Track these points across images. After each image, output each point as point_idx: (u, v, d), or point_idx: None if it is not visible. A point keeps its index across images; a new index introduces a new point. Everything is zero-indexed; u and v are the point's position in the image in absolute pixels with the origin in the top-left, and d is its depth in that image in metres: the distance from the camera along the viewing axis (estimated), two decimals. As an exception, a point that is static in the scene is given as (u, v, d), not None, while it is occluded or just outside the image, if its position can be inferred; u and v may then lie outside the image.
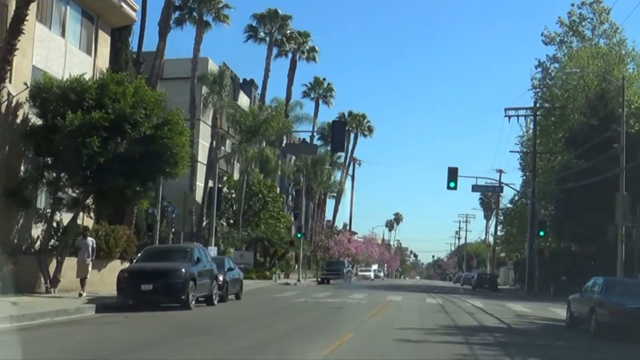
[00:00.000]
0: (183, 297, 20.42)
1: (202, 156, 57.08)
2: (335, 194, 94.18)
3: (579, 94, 49.53)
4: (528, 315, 24.23)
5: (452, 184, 44.11)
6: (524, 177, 65.16)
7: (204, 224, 54.08)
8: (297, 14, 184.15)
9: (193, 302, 20.89)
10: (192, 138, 54.18)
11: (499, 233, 77.35)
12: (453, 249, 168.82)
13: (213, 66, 57.21)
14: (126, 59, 31.78)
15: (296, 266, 60.75)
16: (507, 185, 55.54)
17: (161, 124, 23.61)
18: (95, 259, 26.34)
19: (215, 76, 53.75)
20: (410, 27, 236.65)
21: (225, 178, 60.11)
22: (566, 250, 48.75)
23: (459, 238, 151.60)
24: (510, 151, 62.30)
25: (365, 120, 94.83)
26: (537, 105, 51.89)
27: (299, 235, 53.66)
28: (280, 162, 66.95)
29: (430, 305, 28.12)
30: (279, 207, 59.17)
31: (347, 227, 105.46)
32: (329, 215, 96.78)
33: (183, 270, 20.63)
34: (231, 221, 56.06)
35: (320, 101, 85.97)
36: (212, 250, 35.92)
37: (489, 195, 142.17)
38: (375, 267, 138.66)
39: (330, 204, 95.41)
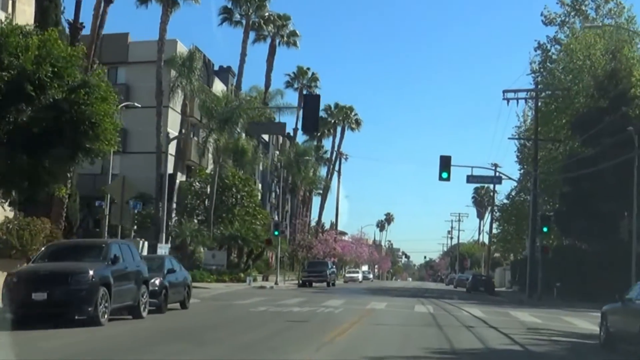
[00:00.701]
0: (90, 308, 15.32)
1: (172, 147, 51.96)
2: (321, 191, 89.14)
3: (584, 75, 44.64)
4: (541, 329, 19.18)
5: (444, 175, 39.28)
6: (522, 170, 60.40)
7: (174, 221, 49.08)
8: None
9: (106, 316, 15.80)
10: (159, 127, 49.21)
11: (494, 231, 72.40)
12: (445, 249, 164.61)
13: (182, 48, 52.02)
14: (56, 20, 26.62)
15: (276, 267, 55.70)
16: (505, 176, 50.37)
17: (77, 86, 18.60)
18: (5, 259, 21.49)
19: (184, 59, 48.61)
20: (401, 17, 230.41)
21: (198, 171, 55.01)
22: (571, 248, 43.83)
23: (452, 238, 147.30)
24: (508, 138, 56.88)
25: (353, 113, 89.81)
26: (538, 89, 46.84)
27: (275, 233, 48.56)
28: (260, 155, 61.89)
29: (419, 315, 23.04)
30: (256, 202, 54.03)
31: (334, 226, 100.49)
32: (315, 214, 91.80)
33: (90, 272, 15.52)
34: (203, 218, 50.86)
35: (305, 92, 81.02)
36: (163, 249, 30.95)
37: (482, 193, 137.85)
38: (365, 268, 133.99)
39: (317, 202, 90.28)
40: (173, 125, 52.77)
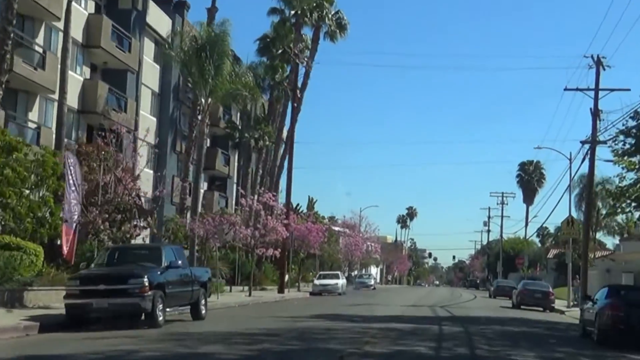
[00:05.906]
0: None
1: None
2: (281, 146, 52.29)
3: None
4: None
5: None
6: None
7: None
8: None
9: None
10: None
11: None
12: (479, 246, 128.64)
13: None
14: None
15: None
16: None
17: None
18: None
19: None
20: None
21: None
22: None
23: (489, 231, 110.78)
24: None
25: (332, 8, 52.51)
26: None
27: None
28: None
29: None
30: None
31: (311, 204, 63.84)
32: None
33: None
34: None
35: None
36: None
37: (530, 170, 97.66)
38: (373, 270, 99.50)
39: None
40: None
